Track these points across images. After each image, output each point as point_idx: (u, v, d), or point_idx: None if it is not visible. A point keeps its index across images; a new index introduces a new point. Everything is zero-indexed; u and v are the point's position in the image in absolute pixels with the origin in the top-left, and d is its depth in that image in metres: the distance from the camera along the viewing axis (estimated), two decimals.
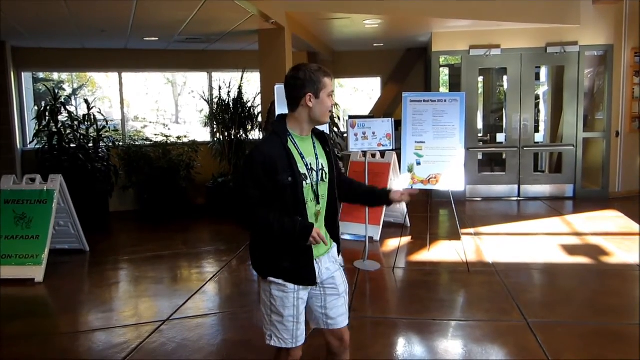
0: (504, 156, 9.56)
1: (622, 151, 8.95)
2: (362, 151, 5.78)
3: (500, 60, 9.11)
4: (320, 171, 2.41)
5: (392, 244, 6.30)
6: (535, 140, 9.43)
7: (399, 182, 6.31)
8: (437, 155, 5.46)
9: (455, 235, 6.18)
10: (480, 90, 12.07)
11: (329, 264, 2.49)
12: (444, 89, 12.02)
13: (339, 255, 2.58)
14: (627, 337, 3.89)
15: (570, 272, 5.47)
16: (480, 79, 11.54)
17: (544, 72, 10.56)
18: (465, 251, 5.80)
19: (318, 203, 2.41)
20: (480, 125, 12.00)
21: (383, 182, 6.39)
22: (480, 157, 9.92)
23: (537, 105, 10.36)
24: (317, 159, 2.41)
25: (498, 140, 9.59)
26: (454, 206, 5.66)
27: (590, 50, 8.99)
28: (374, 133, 5.50)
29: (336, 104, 11.25)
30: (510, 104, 9.16)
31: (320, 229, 2.41)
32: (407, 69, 11.77)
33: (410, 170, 5.44)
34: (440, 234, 6.86)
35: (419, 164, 5.45)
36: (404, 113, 5.52)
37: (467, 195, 9.14)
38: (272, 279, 2.37)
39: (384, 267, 5.61)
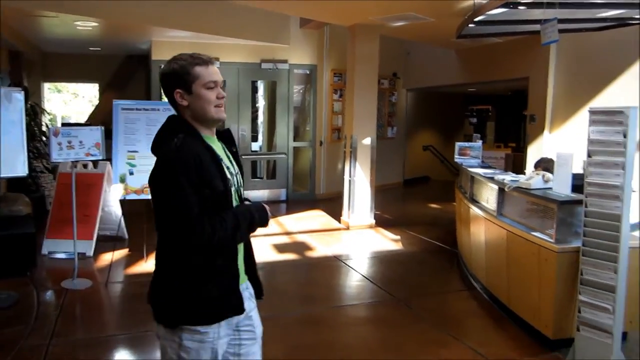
0: None
1: (326, 158, 10.22)
2: (73, 161, 5.35)
3: (220, 72, 9.46)
4: (237, 174, 2.03)
5: (107, 258, 5.99)
6: (253, 149, 10.09)
7: (114, 193, 6.04)
8: (150, 165, 5.37)
9: None
10: None
11: (247, 296, 2.06)
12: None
13: (260, 297, 2.15)
14: (323, 320, 4.49)
15: (281, 268, 6.00)
16: None
17: (262, 86, 11.39)
18: None
19: None
20: None
21: (96, 194, 6.01)
22: None
23: (257, 117, 11.11)
24: (231, 162, 2.03)
25: None
26: None
27: (299, 69, 10.02)
28: (81, 142, 5.14)
29: (46, 111, 10.19)
30: (229, 115, 9.61)
31: (239, 252, 1.99)
32: (127, 76, 11.37)
33: (122, 180, 5.27)
34: None
35: (131, 173, 5.32)
36: (114, 121, 5.33)
37: None
38: (186, 326, 1.89)
39: (98, 283, 5.30)
